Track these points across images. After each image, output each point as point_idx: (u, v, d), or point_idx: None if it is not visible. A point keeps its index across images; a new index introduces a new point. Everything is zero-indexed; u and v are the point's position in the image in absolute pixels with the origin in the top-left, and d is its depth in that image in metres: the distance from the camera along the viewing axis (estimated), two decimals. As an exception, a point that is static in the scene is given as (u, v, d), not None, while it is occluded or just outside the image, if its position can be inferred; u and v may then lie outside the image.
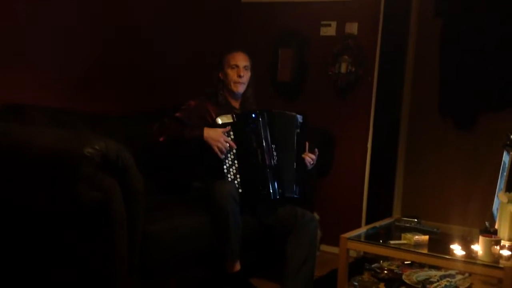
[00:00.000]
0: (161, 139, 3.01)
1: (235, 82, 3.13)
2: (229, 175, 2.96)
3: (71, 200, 2.28)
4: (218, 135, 2.94)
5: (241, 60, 3.14)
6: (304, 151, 3.10)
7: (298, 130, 3.09)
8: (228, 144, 2.94)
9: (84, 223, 2.34)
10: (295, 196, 3.05)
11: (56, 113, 2.96)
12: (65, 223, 2.37)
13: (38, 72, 3.09)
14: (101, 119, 3.18)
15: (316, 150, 3.14)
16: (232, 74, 3.12)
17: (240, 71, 3.12)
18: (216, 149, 2.92)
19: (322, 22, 3.89)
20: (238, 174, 2.96)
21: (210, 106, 3.13)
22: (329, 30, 3.88)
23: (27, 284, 2.56)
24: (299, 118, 3.11)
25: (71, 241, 2.38)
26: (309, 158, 3.10)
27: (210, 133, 2.95)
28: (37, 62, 3.09)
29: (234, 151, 2.97)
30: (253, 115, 3.02)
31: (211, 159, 2.95)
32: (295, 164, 3.07)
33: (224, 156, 2.95)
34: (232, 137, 2.98)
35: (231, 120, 3.00)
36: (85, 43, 3.32)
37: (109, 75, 3.48)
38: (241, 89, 3.16)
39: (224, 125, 2.99)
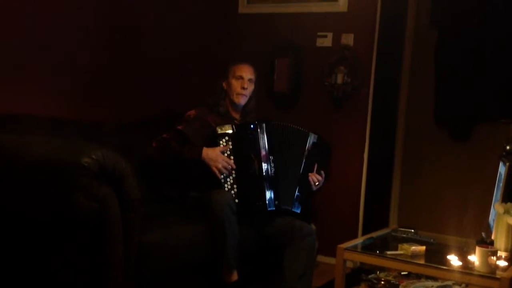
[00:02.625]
0: (160, 159, 3.02)
1: (238, 94, 3.13)
2: (226, 185, 2.95)
3: (68, 210, 2.27)
4: (217, 156, 2.93)
5: (246, 72, 3.14)
6: (311, 170, 3.08)
7: (309, 148, 3.07)
8: (227, 164, 2.93)
9: (80, 232, 2.33)
10: (293, 209, 3.03)
11: (52, 123, 2.95)
12: (61, 232, 2.36)
13: (36, 82, 3.08)
14: (98, 128, 3.17)
15: (322, 172, 3.12)
16: (236, 85, 3.12)
17: (244, 83, 3.12)
18: (215, 170, 2.92)
19: (319, 33, 3.91)
20: (235, 184, 2.95)
21: (210, 116, 3.12)
22: (325, 41, 3.89)
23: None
24: (313, 137, 3.10)
25: (67, 250, 2.37)
26: (315, 178, 3.07)
27: (209, 154, 2.93)
28: (35, 72, 3.08)
29: (232, 161, 2.97)
30: (252, 126, 3.01)
31: (208, 170, 2.94)
32: (297, 178, 3.04)
33: (223, 177, 2.93)
34: (231, 147, 2.98)
35: (230, 130, 3.00)
36: (84, 51, 3.32)
37: (107, 83, 3.47)
38: (243, 101, 3.15)
39: (222, 135, 2.98)
